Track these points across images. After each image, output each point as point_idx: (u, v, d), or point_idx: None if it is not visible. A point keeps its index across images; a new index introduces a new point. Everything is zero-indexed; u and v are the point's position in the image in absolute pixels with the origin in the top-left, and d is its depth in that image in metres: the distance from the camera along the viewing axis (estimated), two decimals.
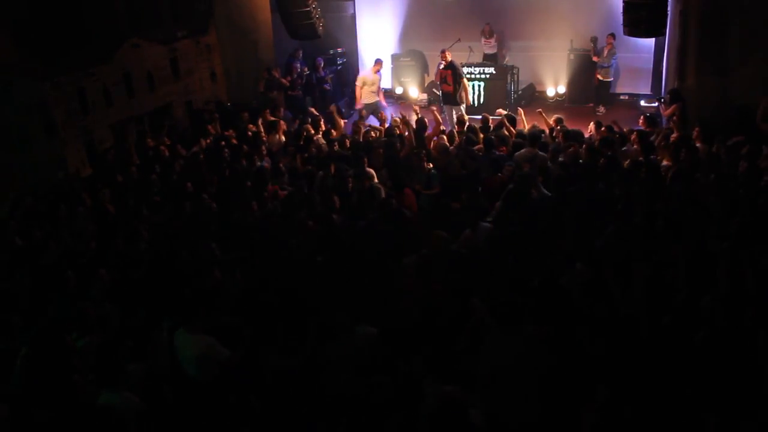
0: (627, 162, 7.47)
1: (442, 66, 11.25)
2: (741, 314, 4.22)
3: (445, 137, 9.03)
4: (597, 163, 7.44)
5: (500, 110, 10.06)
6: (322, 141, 9.18)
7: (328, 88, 12.95)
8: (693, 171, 6.90)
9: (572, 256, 5.19)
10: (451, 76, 11.14)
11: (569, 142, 8.22)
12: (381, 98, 12.07)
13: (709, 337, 4.00)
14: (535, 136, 8.33)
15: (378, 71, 11.98)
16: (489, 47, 13.25)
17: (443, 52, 11.26)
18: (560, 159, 7.85)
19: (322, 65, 13.21)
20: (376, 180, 7.56)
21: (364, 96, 11.78)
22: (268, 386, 4.09)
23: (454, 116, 10.76)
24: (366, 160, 7.91)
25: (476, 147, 8.54)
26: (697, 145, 7.80)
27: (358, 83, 11.85)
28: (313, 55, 13.24)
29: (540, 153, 7.97)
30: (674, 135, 8.30)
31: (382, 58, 12.36)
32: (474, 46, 12.84)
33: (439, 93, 11.94)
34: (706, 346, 3.96)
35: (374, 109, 11.66)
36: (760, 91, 8.62)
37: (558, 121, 9.23)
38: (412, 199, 7.14)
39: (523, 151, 7.98)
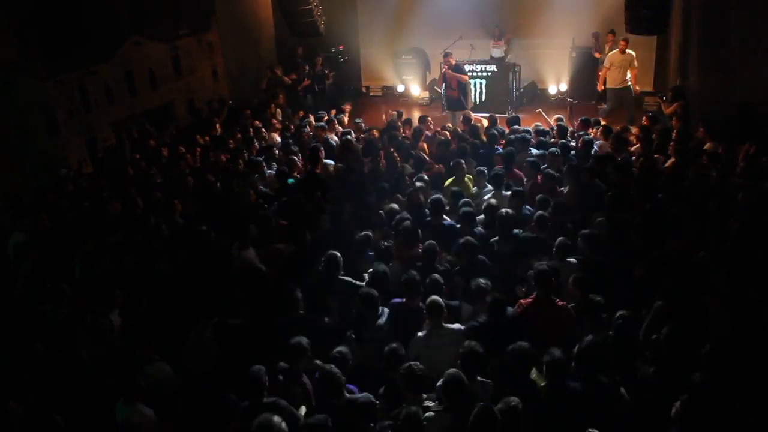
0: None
1: (445, 69, 10.86)
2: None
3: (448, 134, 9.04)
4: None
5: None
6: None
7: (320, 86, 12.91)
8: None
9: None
10: (457, 80, 10.82)
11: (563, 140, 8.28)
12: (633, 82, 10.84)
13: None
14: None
15: (625, 49, 10.62)
16: (498, 50, 13.13)
17: (448, 56, 10.87)
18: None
19: (321, 62, 13.18)
20: None
21: (609, 80, 10.86)
22: None
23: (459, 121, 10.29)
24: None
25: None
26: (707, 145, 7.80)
27: (606, 64, 10.94)
28: (314, 53, 13.23)
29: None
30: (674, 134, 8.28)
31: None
32: (476, 44, 12.80)
33: (442, 92, 11.82)
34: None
35: (622, 99, 10.71)
36: (762, 89, 8.58)
37: (558, 120, 9.24)
38: None
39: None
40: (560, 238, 5.40)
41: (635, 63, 10.79)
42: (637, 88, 11.12)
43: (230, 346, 4.66)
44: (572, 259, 5.29)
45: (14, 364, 4.35)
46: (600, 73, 11.27)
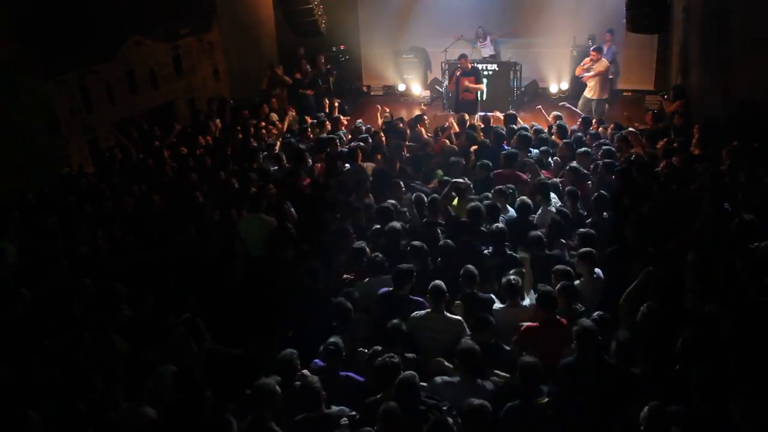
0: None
1: (459, 73, 10.73)
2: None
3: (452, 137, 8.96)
4: None
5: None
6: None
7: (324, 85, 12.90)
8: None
9: None
10: (474, 83, 10.71)
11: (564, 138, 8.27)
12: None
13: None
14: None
15: (595, 58, 10.32)
16: (486, 49, 13.14)
17: (464, 58, 10.78)
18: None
19: (323, 61, 13.15)
20: None
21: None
22: None
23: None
24: None
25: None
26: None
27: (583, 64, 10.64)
28: (315, 52, 13.21)
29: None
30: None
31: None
32: (475, 44, 12.80)
33: (443, 91, 11.79)
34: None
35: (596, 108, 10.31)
36: (763, 88, 8.57)
37: (557, 118, 9.21)
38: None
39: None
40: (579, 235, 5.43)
41: (597, 72, 10.47)
42: (590, 94, 10.67)
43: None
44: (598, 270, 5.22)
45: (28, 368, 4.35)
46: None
